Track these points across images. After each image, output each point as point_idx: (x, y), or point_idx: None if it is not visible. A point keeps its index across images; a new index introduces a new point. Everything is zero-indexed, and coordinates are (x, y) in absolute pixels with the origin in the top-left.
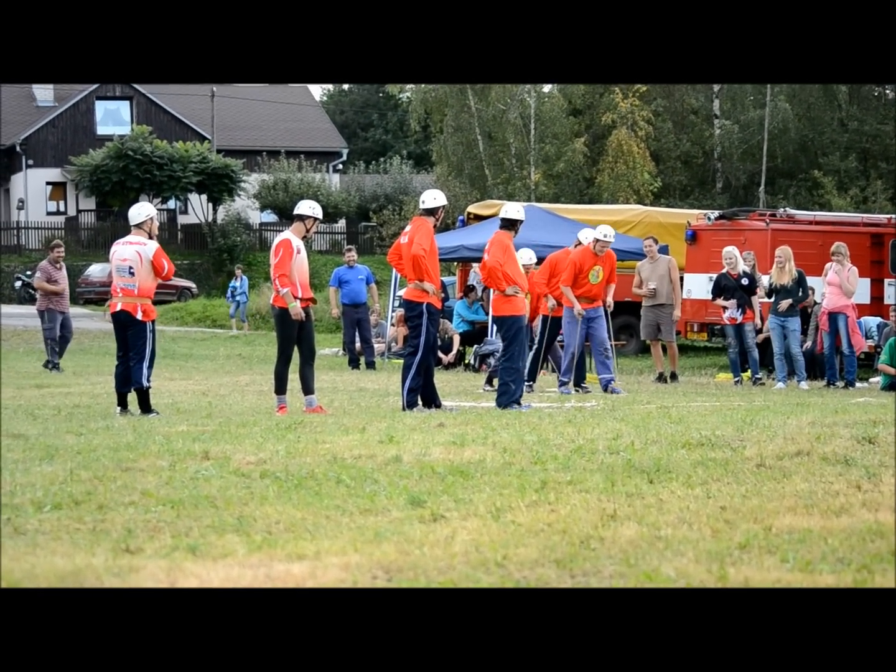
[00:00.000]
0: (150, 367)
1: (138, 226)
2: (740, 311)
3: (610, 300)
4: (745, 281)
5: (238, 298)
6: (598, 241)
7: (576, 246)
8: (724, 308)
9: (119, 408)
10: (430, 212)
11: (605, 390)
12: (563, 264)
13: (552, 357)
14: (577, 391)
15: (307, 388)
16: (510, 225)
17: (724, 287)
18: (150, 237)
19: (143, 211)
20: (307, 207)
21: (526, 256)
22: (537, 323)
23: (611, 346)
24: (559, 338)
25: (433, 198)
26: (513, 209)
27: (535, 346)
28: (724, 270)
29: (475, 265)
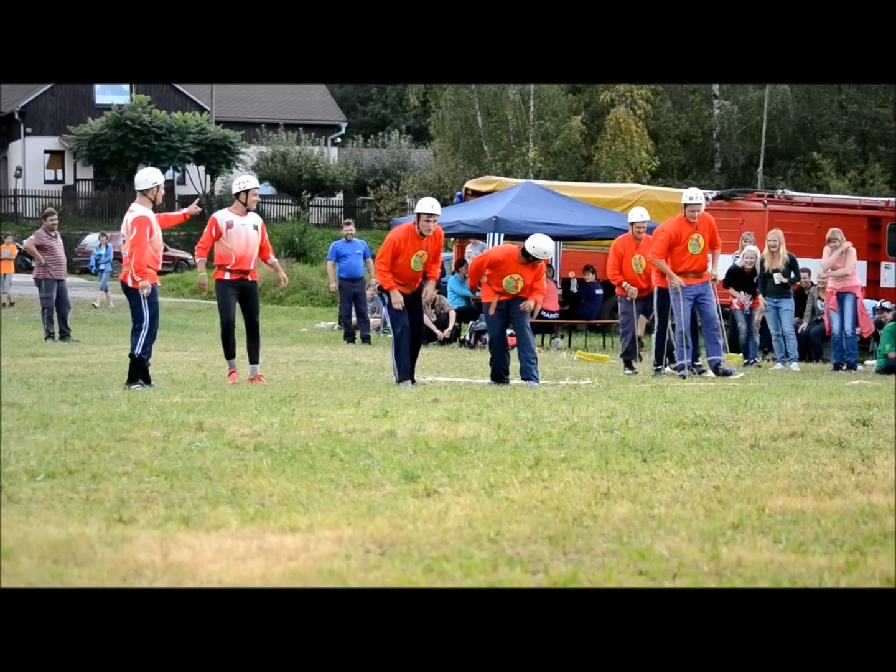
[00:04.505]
0: (149, 337)
1: (143, 192)
2: (749, 296)
3: (714, 270)
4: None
5: (103, 267)
6: (686, 205)
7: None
8: (734, 296)
9: (141, 381)
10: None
11: (717, 373)
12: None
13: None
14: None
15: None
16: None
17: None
18: (154, 205)
19: (149, 178)
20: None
21: (637, 214)
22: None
23: (721, 323)
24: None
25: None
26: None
27: (656, 326)
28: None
29: (474, 242)
